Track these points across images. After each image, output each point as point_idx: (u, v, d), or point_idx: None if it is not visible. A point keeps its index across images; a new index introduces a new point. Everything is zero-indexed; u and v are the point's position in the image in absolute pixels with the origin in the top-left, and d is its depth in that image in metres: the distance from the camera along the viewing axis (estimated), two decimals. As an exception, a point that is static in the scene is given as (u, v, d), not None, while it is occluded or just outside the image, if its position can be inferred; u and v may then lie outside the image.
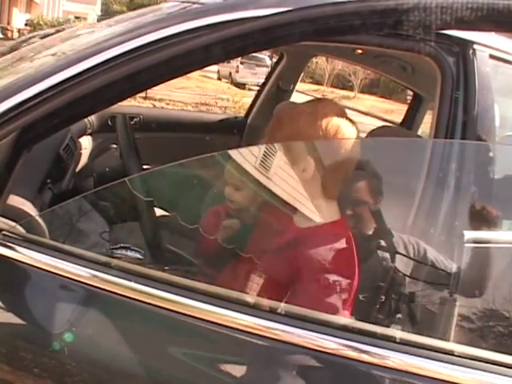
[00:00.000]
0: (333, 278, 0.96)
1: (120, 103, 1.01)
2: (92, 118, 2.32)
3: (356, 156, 1.07)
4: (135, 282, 0.78)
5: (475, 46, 1.35)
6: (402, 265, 1.06)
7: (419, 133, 2.50)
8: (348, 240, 1.02)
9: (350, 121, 1.07)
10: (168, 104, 10.00)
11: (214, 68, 18.13)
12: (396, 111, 12.34)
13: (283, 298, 0.94)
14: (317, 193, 1.04)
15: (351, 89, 18.42)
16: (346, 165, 1.06)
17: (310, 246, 1.01)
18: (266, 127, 1.18)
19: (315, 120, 1.04)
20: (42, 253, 0.82)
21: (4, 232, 0.84)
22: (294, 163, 1.07)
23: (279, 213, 1.10)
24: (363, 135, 1.99)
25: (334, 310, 0.94)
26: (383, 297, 0.97)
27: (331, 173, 1.05)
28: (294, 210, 1.06)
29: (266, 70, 12.53)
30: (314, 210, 1.05)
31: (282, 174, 1.06)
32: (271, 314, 0.77)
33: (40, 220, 0.95)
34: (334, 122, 1.04)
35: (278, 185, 1.05)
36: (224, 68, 18.57)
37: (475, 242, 1.03)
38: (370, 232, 1.16)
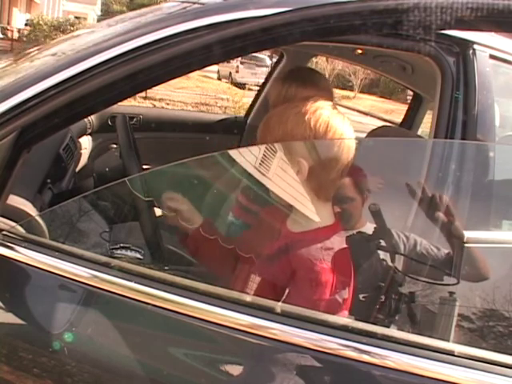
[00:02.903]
0: (327, 283, 0.95)
1: (120, 103, 1.02)
2: (92, 118, 2.32)
3: (352, 155, 1.03)
4: (135, 282, 0.78)
5: (475, 46, 1.35)
6: (396, 260, 1.06)
7: (419, 133, 2.50)
8: (341, 243, 1.01)
9: (343, 116, 1.04)
10: (168, 104, 10.00)
11: (214, 68, 18.13)
12: (396, 111, 12.34)
13: (279, 298, 0.93)
14: (311, 196, 1.02)
15: (351, 89, 18.41)
16: (340, 165, 1.02)
17: (303, 250, 0.99)
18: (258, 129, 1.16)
19: (303, 119, 1.01)
20: (42, 253, 0.82)
21: (4, 232, 0.84)
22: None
23: (274, 216, 1.08)
24: (363, 135, 2.00)
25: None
26: (380, 295, 0.97)
27: (326, 174, 1.02)
28: (288, 213, 1.05)
29: (266, 70, 12.54)
30: (308, 214, 1.04)
31: (276, 178, 1.04)
32: (271, 314, 0.76)
33: (40, 220, 0.96)
34: (323, 119, 1.00)
35: (273, 188, 1.04)
36: (224, 68, 18.56)
37: (475, 242, 1.03)
38: (359, 228, 1.17)
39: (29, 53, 1.44)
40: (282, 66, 2.67)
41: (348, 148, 1.02)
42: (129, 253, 1.02)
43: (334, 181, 1.04)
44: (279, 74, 2.59)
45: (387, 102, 16.97)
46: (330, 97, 1.60)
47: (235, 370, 0.80)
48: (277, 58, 2.88)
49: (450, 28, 1.15)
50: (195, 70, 0.90)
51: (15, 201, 0.96)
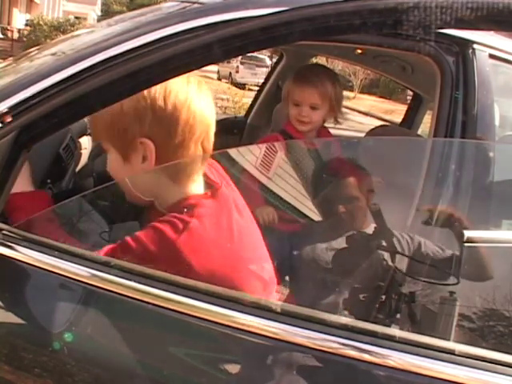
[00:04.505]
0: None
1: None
2: (92, 118, 2.32)
3: (207, 122, 0.91)
4: (135, 281, 0.78)
5: (475, 46, 1.36)
6: (400, 261, 1.06)
7: (419, 132, 2.51)
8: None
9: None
10: (168, 104, 9.96)
11: (214, 68, 18.14)
12: (396, 111, 12.34)
13: None
14: (162, 183, 0.92)
15: (351, 89, 18.40)
16: (193, 136, 0.89)
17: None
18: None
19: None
20: (42, 252, 0.82)
21: (4, 231, 0.84)
22: (125, 156, 0.91)
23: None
24: (362, 135, 2.00)
25: None
26: (382, 295, 0.97)
27: (178, 150, 0.89)
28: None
29: (265, 70, 12.54)
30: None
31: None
32: (271, 313, 0.76)
33: (40, 219, 0.95)
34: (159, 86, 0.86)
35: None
36: (224, 68, 18.59)
37: (475, 241, 1.03)
38: (364, 229, 1.17)
39: (28, 53, 1.44)
40: (281, 66, 2.67)
41: (197, 114, 0.89)
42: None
43: (193, 157, 0.92)
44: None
45: (387, 103, 16.98)
46: (329, 98, 1.63)
47: (236, 369, 0.80)
48: (277, 58, 2.89)
49: (450, 28, 1.15)
50: (194, 70, 0.89)
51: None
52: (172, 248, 0.86)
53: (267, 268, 0.95)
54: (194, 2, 0.97)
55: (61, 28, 18.53)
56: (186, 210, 0.87)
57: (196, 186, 0.95)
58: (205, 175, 0.97)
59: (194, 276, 0.81)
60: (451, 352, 0.73)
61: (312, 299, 1.17)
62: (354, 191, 1.20)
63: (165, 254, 0.87)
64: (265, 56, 16.91)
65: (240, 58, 15.95)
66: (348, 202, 1.19)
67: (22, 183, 0.97)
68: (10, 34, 20.54)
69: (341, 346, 0.73)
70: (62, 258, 0.81)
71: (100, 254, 0.86)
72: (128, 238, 0.89)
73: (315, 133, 1.69)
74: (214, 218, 0.89)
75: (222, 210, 0.91)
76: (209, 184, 0.96)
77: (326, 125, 1.80)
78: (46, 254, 0.82)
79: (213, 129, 0.94)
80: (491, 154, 1.21)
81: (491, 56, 1.39)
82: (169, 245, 0.86)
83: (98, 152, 2.30)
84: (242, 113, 3.45)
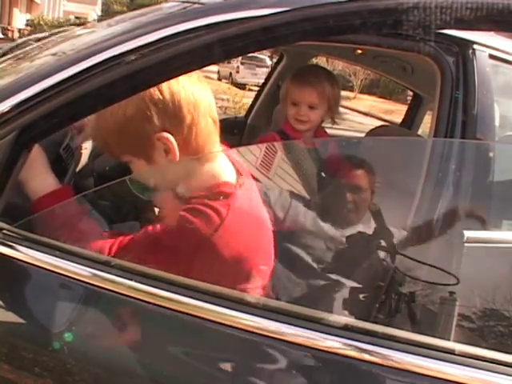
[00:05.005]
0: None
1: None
2: (92, 118, 2.32)
3: (206, 99, 0.93)
4: (135, 280, 0.78)
5: (475, 46, 1.36)
6: (400, 261, 1.06)
7: (419, 133, 2.51)
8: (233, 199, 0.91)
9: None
10: (168, 104, 9.95)
11: (215, 68, 18.14)
12: (396, 111, 12.34)
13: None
14: (191, 167, 0.94)
15: (351, 89, 18.40)
16: (205, 115, 0.93)
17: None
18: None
19: (141, 96, 0.88)
20: (43, 252, 0.82)
21: (4, 231, 0.84)
22: (148, 158, 0.92)
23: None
24: (362, 135, 2.00)
25: None
26: (382, 295, 0.97)
27: (195, 134, 0.92)
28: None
29: (266, 71, 12.54)
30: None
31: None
32: (272, 312, 0.77)
33: (40, 219, 0.95)
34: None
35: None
36: (224, 68, 18.59)
37: (475, 241, 1.03)
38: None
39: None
40: (282, 67, 2.68)
41: (195, 91, 0.92)
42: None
43: (208, 134, 0.95)
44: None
45: (387, 103, 16.99)
46: (326, 97, 1.64)
47: (236, 369, 0.80)
48: (277, 58, 2.89)
49: (450, 28, 1.15)
50: (195, 70, 0.90)
51: (16, 200, 0.96)
52: (205, 241, 0.87)
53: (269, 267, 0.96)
54: (195, 2, 0.97)
55: (61, 28, 18.53)
56: (221, 197, 0.88)
57: (225, 170, 0.95)
58: (234, 166, 0.98)
59: (216, 268, 0.86)
60: (451, 352, 0.73)
61: (312, 299, 1.17)
62: (357, 181, 1.19)
63: (197, 244, 0.88)
64: (265, 56, 16.91)
65: (240, 58, 15.97)
66: (351, 191, 1.19)
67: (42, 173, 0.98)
68: (10, 34, 20.54)
69: (341, 346, 0.73)
70: (62, 258, 0.81)
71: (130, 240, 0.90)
72: (157, 227, 0.89)
73: (312, 133, 1.70)
74: (246, 212, 0.91)
75: (251, 205, 0.93)
76: (238, 175, 0.97)
77: (325, 125, 1.80)
78: (46, 253, 0.82)
79: (213, 101, 0.97)
80: (491, 154, 1.21)
81: (491, 56, 1.39)
82: (203, 237, 0.87)
83: (98, 152, 2.30)
84: (242, 113, 3.45)
